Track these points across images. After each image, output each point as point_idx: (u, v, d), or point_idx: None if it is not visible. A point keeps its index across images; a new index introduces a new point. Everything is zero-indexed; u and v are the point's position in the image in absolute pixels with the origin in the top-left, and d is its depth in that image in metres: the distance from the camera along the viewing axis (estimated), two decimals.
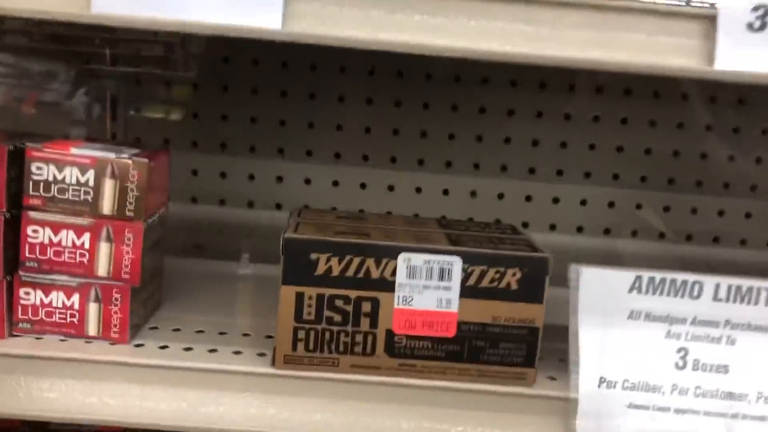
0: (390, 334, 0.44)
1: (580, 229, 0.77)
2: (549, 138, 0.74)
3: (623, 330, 0.46)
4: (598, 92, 0.72)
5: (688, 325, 0.46)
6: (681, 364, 0.46)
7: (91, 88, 0.71)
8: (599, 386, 0.45)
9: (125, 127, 0.73)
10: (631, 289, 0.46)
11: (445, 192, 0.76)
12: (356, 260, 0.43)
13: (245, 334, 0.50)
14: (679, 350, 0.46)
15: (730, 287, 0.46)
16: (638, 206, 0.77)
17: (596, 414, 0.45)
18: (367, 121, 0.75)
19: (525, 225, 0.74)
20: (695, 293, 0.46)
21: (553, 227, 0.74)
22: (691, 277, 0.47)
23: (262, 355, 0.47)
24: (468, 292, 0.44)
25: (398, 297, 0.44)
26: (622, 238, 0.78)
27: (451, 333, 0.44)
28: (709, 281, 0.47)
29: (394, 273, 0.44)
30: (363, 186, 0.76)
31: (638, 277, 0.47)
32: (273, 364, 0.45)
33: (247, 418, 0.44)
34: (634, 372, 0.45)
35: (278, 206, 0.77)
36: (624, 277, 0.47)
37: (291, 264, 0.43)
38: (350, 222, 0.49)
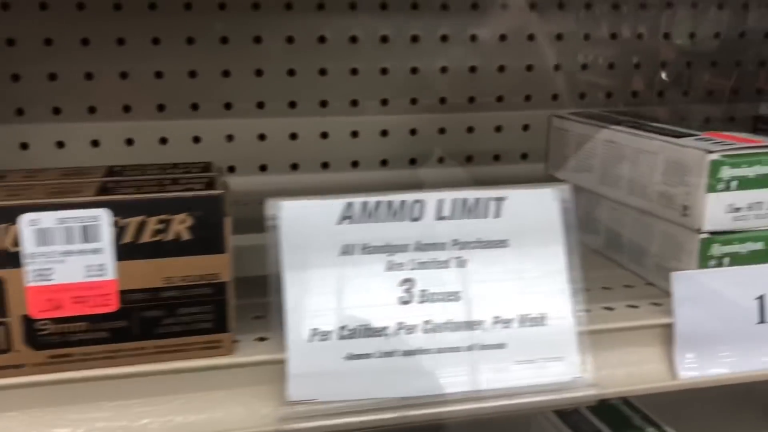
0: (28, 320, 0.34)
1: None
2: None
3: (337, 269, 0.38)
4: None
5: (412, 251, 0.39)
6: (406, 297, 0.39)
7: None
8: (311, 339, 0.38)
9: None
10: (341, 220, 0.39)
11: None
12: None
13: None
14: (403, 282, 0.39)
15: (455, 202, 0.40)
16: (383, 132, 0.66)
17: (311, 373, 0.37)
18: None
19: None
20: (416, 213, 0.40)
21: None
22: (410, 196, 0.40)
23: None
24: (127, 251, 0.34)
25: (30, 272, 0.34)
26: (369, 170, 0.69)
27: (113, 306, 0.35)
28: (431, 198, 0.40)
29: (17, 242, 0.33)
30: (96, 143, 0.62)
31: (349, 205, 0.39)
32: None
33: None
34: (353, 316, 0.38)
35: None
36: (332, 206, 0.39)
37: None
38: None
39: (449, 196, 0.40)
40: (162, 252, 0.34)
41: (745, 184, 0.41)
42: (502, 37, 0.65)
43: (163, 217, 0.34)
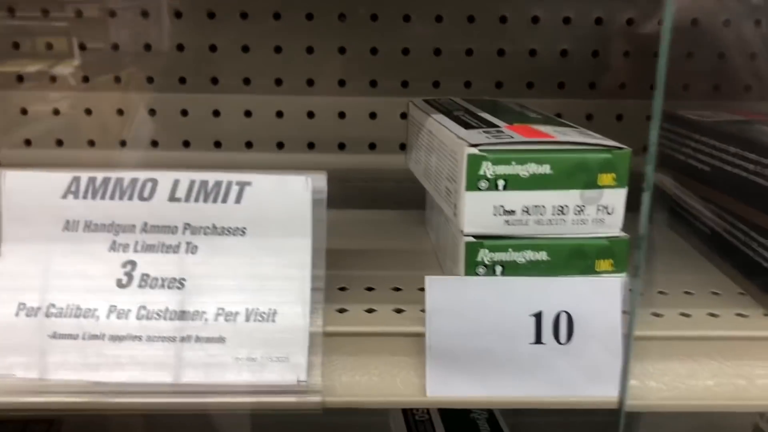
0: None
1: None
2: None
3: (57, 245, 0.37)
4: None
5: (138, 232, 0.38)
6: (125, 281, 0.37)
7: None
8: (17, 315, 0.36)
9: None
10: (66, 194, 0.37)
11: None
12: None
13: None
14: (125, 264, 0.37)
15: (192, 183, 0.38)
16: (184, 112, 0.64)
17: (13, 347, 0.36)
18: None
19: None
20: (147, 193, 0.38)
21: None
22: (142, 175, 0.38)
23: None
24: None
25: None
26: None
27: None
28: (165, 177, 0.38)
29: None
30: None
31: (75, 179, 0.38)
32: None
33: None
34: (65, 295, 0.37)
35: None
36: (57, 179, 0.38)
37: None
38: None
39: (186, 177, 0.38)
40: None
41: (516, 184, 0.36)
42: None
43: None
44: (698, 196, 0.49)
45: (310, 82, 0.63)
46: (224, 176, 0.38)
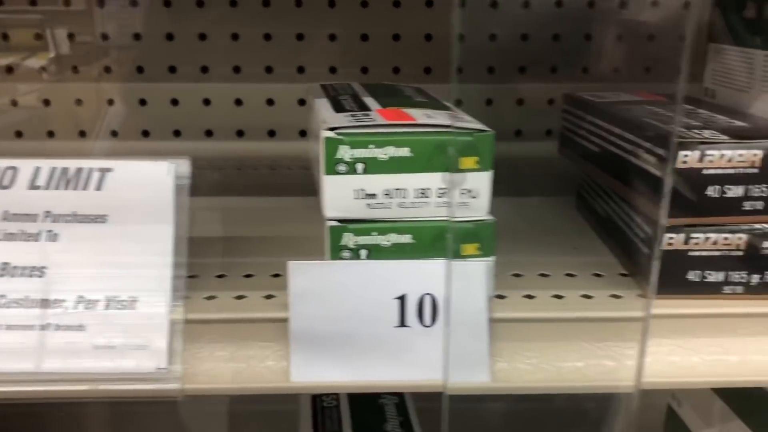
0: None
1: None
2: None
3: None
4: None
5: (0, 221, 0.37)
6: None
7: None
8: None
9: None
10: None
11: None
12: None
13: None
14: None
15: (53, 170, 0.37)
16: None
17: None
18: None
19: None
20: (7, 182, 0.37)
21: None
22: (2, 163, 0.38)
23: None
24: None
25: None
26: None
27: None
28: (27, 165, 0.37)
29: None
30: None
31: None
32: None
33: None
34: None
35: None
36: None
37: None
38: None
39: (47, 164, 0.38)
40: None
41: (376, 167, 0.36)
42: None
43: None
44: (593, 177, 0.49)
45: (301, 70, 0.62)
46: (85, 163, 0.38)
